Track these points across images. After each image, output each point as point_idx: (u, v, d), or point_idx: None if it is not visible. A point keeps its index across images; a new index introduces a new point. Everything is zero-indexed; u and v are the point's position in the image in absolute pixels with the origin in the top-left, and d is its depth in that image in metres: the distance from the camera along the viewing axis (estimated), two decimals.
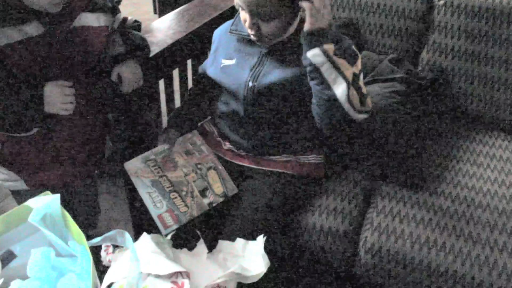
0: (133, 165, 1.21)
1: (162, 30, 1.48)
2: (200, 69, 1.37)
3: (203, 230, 1.09)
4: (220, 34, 1.29)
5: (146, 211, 1.38)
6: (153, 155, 1.24)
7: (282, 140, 1.23)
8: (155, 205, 1.14)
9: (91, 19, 1.12)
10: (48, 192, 0.65)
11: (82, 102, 1.14)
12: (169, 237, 1.04)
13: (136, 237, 1.55)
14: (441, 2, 1.46)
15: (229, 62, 1.22)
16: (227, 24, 1.28)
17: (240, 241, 1.04)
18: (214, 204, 1.17)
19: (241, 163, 1.26)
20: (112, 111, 1.34)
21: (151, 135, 1.41)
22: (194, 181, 1.20)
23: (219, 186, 1.21)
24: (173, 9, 2.99)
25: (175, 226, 1.11)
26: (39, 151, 1.14)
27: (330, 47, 1.02)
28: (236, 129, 1.25)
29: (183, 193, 1.18)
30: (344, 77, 1.03)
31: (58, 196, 0.62)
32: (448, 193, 1.29)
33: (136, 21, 1.29)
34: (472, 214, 1.23)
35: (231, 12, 1.66)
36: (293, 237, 1.24)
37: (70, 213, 1.32)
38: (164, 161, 1.23)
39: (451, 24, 1.47)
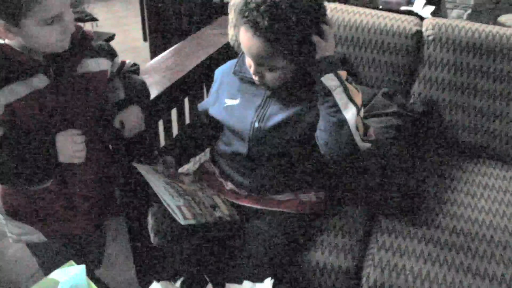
0: (144, 166, 1.19)
1: (160, 70, 1.50)
2: (199, 107, 1.39)
3: (210, 273, 1.11)
4: (222, 73, 1.32)
5: (148, 247, 1.39)
6: (160, 169, 1.24)
7: (284, 179, 1.25)
8: (173, 197, 1.11)
9: (91, 65, 1.14)
10: (72, 262, 0.66)
11: (92, 148, 1.15)
12: (178, 283, 1.04)
13: (137, 271, 1.57)
14: (430, 38, 1.51)
15: (233, 102, 1.25)
16: (229, 64, 1.32)
17: (247, 284, 1.06)
18: (222, 219, 1.18)
19: (243, 204, 1.28)
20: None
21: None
22: (203, 197, 1.21)
23: (225, 209, 1.22)
24: (162, 36, 3.04)
25: (192, 221, 1.08)
26: (53, 201, 1.16)
27: (343, 73, 1.08)
28: (239, 169, 1.28)
29: (196, 200, 1.17)
30: (354, 103, 1.08)
31: (83, 267, 0.64)
32: (445, 226, 1.32)
33: (134, 64, 1.31)
34: (470, 246, 1.26)
35: (227, 49, 1.70)
36: (298, 276, 1.25)
37: (79, 254, 1.34)
38: (172, 176, 1.23)
39: (441, 58, 1.52)
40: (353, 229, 1.31)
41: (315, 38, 1.07)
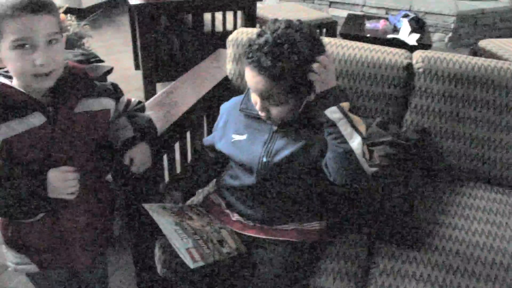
0: (152, 206, 1.22)
1: (164, 105, 1.56)
2: (205, 142, 1.45)
3: None
4: (228, 109, 1.39)
5: (153, 278, 1.42)
6: (168, 206, 1.27)
7: (290, 210, 1.31)
8: (182, 239, 1.14)
9: (93, 104, 1.16)
10: None
11: (87, 184, 1.18)
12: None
13: None
14: (420, 70, 1.60)
15: (240, 138, 1.31)
16: (235, 100, 1.38)
17: None
18: (230, 255, 1.22)
19: (249, 234, 1.33)
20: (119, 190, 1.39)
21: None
22: (211, 233, 1.24)
23: (232, 243, 1.27)
24: (155, 65, 3.09)
25: (201, 263, 1.11)
26: (46, 234, 1.17)
27: (345, 105, 1.13)
28: (245, 201, 1.33)
29: (204, 238, 1.20)
30: (359, 132, 1.13)
31: None
32: (442, 248, 1.39)
33: (139, 102, 1.35)
34: (466, 267, 1.33)
35: (226, 83, 1.77)
36: None
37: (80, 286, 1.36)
38: (180, 212, 1.27)
39: (431, 88, 1.61)
40: (355, 255, 1.36)
41: (311, 75, 1.13)
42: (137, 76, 3.36)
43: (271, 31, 1.13)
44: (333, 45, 1.67)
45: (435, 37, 4.54)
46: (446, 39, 4.56)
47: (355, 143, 1.12)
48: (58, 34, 1.03)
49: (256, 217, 1.32)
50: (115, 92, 1.26)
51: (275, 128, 1.27)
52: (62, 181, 1.08)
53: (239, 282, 1.27)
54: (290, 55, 1.11)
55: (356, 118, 1.14)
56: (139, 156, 1.22)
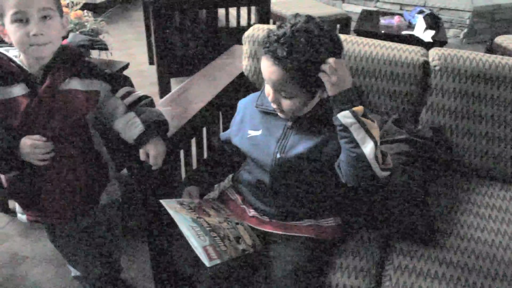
0: (170, 203, 1.24)
1: (180, 102, 1.57)
2: (221, 137, 1.47)
3: None
4: (245, 105, 1.40)
5: (169, 270, 1.44)
6: (185, 202, 1.29)
7: (305, 207, 1.32)
8: (199, 237, 1.15)
9: (80, 84, 1.25)
10: None
11: (64, 156, 1.28)
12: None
13: None
14: (437, 68, 1.60)
15: (255, 133, 1.32)
16: (252, 97, 1.40)
17: None
18: (246, 252, 1.23)
19: (265, 229, 1.34)
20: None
21: None
22: (228, 229, 1.25)
23: (248, 238, 1.28)
24: (169, 60, 3.11)
25: (218, 261, 1.12)
26: (28, 188, 1.29)
27: (359, 109, 1.12)
28: (261, 197, 1.35)
29: (221, 235, 1.21)
30: (372, 137, 1.12)
31: None
32: (457, 247, 1.39)
33: (146, 96, 1.37)
34: (481, 266, 1.33)
35: (241, 79, 1.78)
36: None
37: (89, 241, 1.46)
38: (197, 208, 1.28)
39: (447, 86, 1.61)
40: (370, 252, 1.37)
41: (322, 75, 1.12)
42: (152, 71, 3.39)
43: (291, 24, 1.15)
44: (348, 42, 1.67)
45: (450, 33, 4.51)
46: (461, 35, 4.52)
47: (368, 148, 1.12)
48: (52, 11, 1.16)
49: (271, 212, 1.33)
50: (114, 78, 1.33)
51: (289, 124, 1.28)
52: (32, 148, 1.18)
53: (254, 277, 1.28)
54: (306, 48, 1.11)
55: (369, 123, 1.13)
56: (153, 150, 1.26)
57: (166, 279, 1.60)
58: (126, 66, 2.21)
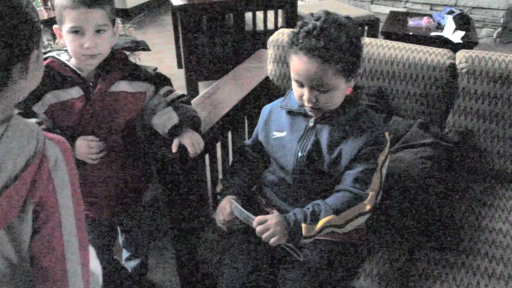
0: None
1: (206, 106, 1.60)
2: (247, 143, 1.49)
3: None
4: (270, 110, 1.43)
5: (195, 268, 1.47)
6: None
7: None
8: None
9: (128, 86, 1.35)
10: None
11: (114, 155, 1.37)
12: None
13: None
14: (464, 70, 1.57)
15: (280, 135, 1.36)
16: (276, 101, 1.43)
17: None
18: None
19: None
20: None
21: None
22: None
23: None
24: (197, 64, 3.16)
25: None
26: (83, 184, 1.34)
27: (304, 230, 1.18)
28: (284, 197, 1.36)
29: None
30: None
31: None
32: (484, 253, 1.36)
33: (183, 95, 1.45)
34: (510, 274, 1.30)
35: (266, 83, 1.79)
36: None
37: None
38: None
39: (474, 89, 1.58)
40: (395, 258, 1.36)
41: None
42: (180, 75, 3.45)
43: (315, 18, 1.20)
44: (373, 45, 1.66)
45: (483, 32, 4.40)
46: (495, 35, 4.41)
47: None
48: (106, 25, 1.25)
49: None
50: (156, 78, 1.42)
51: (311, 124, 1.31)
52: (86, 148, 1.28)
53: (277, 280, 1.29)
54: (339, 34, 1.17)
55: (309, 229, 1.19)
56: (188, 140, 1.33)
57: (192, 280, 1.63)
58: (154, 71, 2.25)
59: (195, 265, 1.55)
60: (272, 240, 1.16)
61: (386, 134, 1.30)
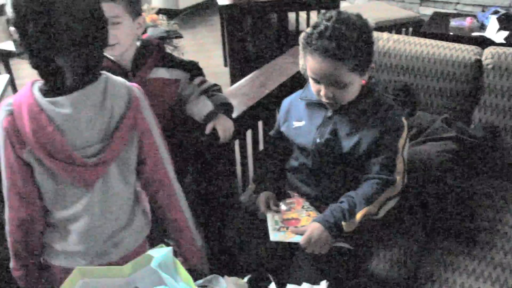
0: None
1: (237, 96, 1.71)
2: (272, 133, 1.59)
3: (274, 273, 1.27)
4: (290, 102, 1.53)
5: (222, 246, 1.58)
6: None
7: (345, 190, 1.38)
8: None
9: (164, 73, 1.44)
10: (163, 245, 0.87)
11: None
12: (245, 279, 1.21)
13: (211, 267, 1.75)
14: (490, 66, 1.59)
15: (299, 124, 1.45)
16: (295, 94, 1.52)
17: (305, 285, 1.20)
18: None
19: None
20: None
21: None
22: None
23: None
24: (241, 62, 3.28)
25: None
26: None
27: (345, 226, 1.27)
28: (304, 180, 1.45)
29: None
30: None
31: (171, 249, 0.85)
32: (500, 246, 1.38)
33: (215, 84, 1.56)
34: None
35: (298, 77, 1.88)
36: (353, 284, 1.37)
37: None
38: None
39: (500, 85, 1.59)
40: (408, 244, 1.41)
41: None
42: (226, 73, 3.58)
43: (326, 19, 1.26)
44: (401, 42, 1.71)
45: None
46: None
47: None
48: (120, 17, 1.30)
49: (314, 196, 1.42)
50: (192, 67, 1.51)
51: (329, 114, 1.39)
52: None
53: (294, 263, 1.37)
54: (351, 33, 1.23)
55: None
56: (221, 125, 1.44)
57: (219, 251, 1.72)
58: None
59: (222, 243, 1.65)
60: (323, 252, 1.26)
61: (403, 118, 1.35)
